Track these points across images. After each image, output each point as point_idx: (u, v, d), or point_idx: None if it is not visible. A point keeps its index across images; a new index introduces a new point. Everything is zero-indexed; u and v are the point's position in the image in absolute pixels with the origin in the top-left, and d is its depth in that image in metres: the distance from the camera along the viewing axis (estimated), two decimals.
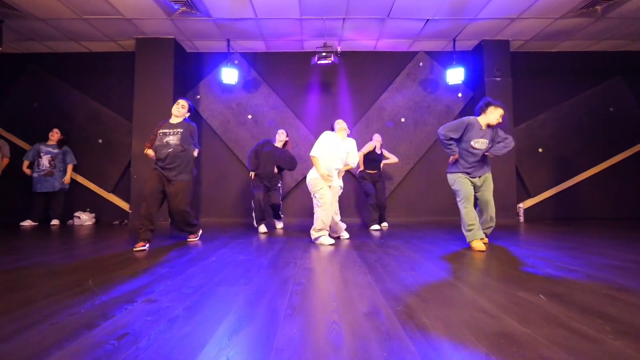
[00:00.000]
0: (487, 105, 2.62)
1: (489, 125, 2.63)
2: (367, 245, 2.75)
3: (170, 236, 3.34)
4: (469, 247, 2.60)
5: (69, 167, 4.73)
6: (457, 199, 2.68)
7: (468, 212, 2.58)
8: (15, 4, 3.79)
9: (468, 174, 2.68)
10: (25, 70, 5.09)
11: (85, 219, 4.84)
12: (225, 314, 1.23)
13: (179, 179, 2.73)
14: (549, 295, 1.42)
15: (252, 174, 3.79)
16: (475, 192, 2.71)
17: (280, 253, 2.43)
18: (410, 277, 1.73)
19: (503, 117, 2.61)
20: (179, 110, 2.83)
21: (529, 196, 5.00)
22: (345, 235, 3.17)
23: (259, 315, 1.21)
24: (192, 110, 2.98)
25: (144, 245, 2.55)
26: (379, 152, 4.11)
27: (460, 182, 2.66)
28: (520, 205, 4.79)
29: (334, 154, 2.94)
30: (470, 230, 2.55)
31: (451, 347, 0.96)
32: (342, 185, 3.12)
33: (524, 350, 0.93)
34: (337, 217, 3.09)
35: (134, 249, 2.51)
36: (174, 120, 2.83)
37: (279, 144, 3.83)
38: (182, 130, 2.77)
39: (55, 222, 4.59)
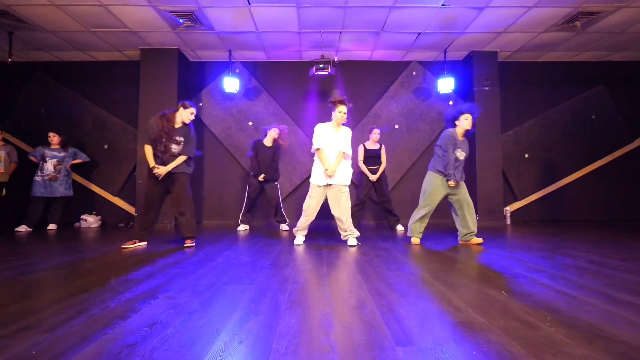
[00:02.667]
0: (461, 113, 2.99)
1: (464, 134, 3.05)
2: (360, 248, 2.98)
3: (173, 239, 3.55)
4: (454, 246, 2.85)
5: (80, 161, 4.87)
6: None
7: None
8: (25, 18, 3.99)
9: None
10: (32, 78, 5.29)
11: (91, 221, 5.04)
12: (234, 308, 1.46)
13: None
14: (511, 292, 1.66)
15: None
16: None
17: (280, 255, 2.66)
18: (395, 277, 1.97)
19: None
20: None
21: (516, 199, 5.26)
22: (351, 242, 3.03)
23: (263, 309, 1.44)
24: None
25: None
26: (375, 147, 4.26)
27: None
28: (507, 208, 5.04)
29: (331, 146, 3.01)
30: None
31: (419, 332, 1.19)
32: (345, 188, 3.04)
33: (478, 336, 1.16)
34: (342, 221, 3.02)
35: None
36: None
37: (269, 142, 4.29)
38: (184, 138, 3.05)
39: (52, 226, 4.61)
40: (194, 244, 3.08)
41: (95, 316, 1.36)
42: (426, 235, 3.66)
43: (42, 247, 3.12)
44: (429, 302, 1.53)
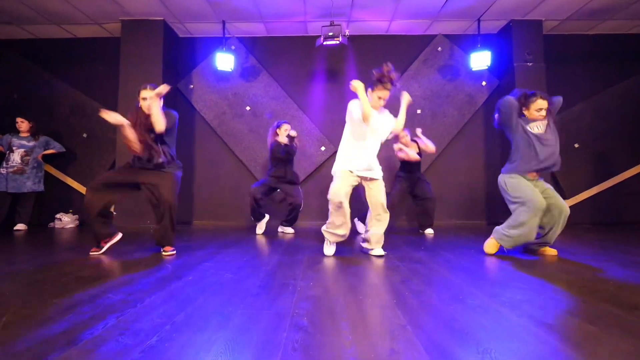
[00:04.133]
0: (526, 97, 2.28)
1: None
2: (385, 258, 2.22)
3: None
4: (504, 257, 2.07)
5: (53, 151, 4.23)
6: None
7: None
8: None
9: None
10: (3, 58, 4.66)
11: (67, 221, 4.38)
12: None
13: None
14: None
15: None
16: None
17: (276, 269, 1.92)
18: (458, 315, 1.21)
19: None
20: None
21: (564, 198, 4.41)
22: (377, 251, 2.28)
23: None
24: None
25: None
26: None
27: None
28: None
29: (369, 133, 2.25)
30: None
31: None
32: (379, 179, 2.30)
33: None
34: (379, 227, 2.30)
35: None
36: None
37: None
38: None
39: (20, 227, 3.96)
40: (174, 252, 2.38)
41: None
42: (463, 242, 2.88)
43: None
44: None
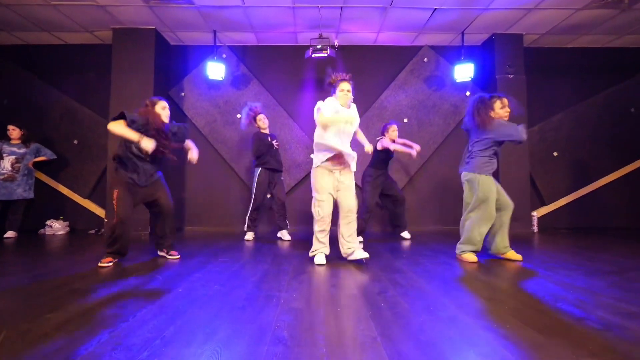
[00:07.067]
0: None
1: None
2: (368, 269, 2.33)
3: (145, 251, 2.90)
4: (479, 264, 2.21)
5: (44, 158, 4.25)
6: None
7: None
8: None
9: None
10: None
11: (57, 227, 4.40)
12: None
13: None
14: None
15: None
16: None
17: (263, 279, 2.02)
18: (426, 326, 1.32)
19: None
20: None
21: (543, 204, 4.61)
22: (358, 255, 2.40)
23: None
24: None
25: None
26: (392, 148, 3.40)
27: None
28: (534, 213, 4.39)
29: (341, 128, 2.39)
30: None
31: None
32: (351, 182, 2.45)
33: None
34: (348, 232, 2.44)
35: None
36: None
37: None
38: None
39: (10, 234, 3.98)
40: (179, 256, 2.67)
41: None
42: (443, 249, 3.01)
43: None
44: None
